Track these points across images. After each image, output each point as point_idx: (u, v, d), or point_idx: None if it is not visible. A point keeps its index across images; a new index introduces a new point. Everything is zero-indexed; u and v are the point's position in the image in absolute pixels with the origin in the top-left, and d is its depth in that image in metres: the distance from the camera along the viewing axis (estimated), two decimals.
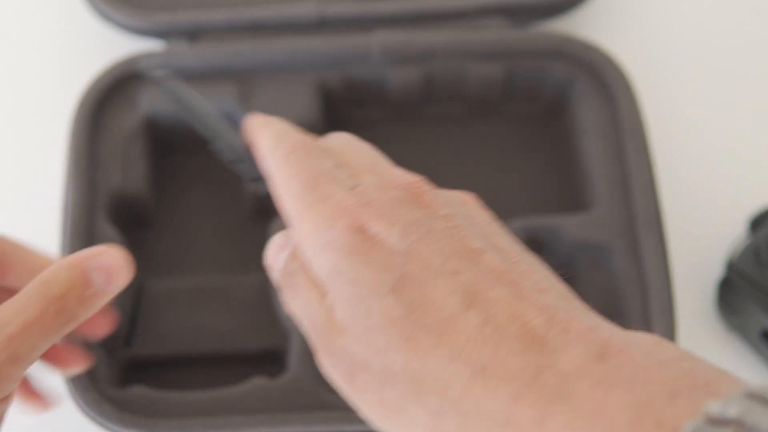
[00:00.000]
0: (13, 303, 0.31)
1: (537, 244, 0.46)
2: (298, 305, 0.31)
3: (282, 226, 0.44)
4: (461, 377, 0.26)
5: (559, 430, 0.24)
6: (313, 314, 0.30)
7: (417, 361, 0.27)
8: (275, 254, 0.33)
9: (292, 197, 0.31)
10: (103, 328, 0.39)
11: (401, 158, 0.51)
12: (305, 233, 0.30)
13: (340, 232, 0.29)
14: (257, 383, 0.42)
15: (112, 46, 0.54)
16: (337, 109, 0.50)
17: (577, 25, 0.55)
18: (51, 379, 0.40)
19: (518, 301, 0.27)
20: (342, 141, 0.34)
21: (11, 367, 0.30)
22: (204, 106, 0.36)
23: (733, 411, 0.21)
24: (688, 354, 0.25)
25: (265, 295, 0.46)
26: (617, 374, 0.24)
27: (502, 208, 0.48)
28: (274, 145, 0.33)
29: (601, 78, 0.48)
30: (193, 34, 0.51)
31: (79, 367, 0.39)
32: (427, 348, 0.27)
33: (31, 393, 0.39)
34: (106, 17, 0.52)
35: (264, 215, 0.48)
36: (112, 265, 0.33)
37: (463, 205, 0.31)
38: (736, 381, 0.24)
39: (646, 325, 0.43)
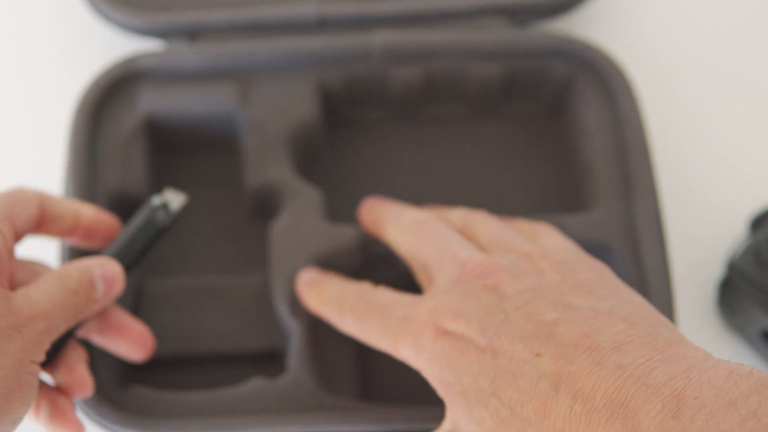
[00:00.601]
0: (38, 287, 0.36)
1: None
2: None
3: (282, 228, 0.44)
4: None
5: None
6: None
7: None
8: None
9: (381, 335, 0.38)
10: (143, 350, 0.42)
11: (401, 158, 0.52)
12: (408, 356, 0.36)
13: (433, 345, 0.35)
14: (256, 384, 0.42)
15: (112, 46, 0.54)
16: (337, 109, 0.50)
17: (577, 25, 0.55)
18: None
19: (598, 369, 0.30)
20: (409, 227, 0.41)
21: (46, 336, 0.35)
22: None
23: None
24: (759, 381, 0.28)
25: (265, 295, 0.46)
26: (689, 428, 0.27)
27: (502, 208, 0.48)
28: (332, 308, 0.40)
29: (602, 78, 0.48)
30: (193, 34, 0.51)
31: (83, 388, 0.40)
32: None
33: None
34: (106, 17, 0.52)
35: (264, 215, 0.48)
36: (110, 275, 0.39)
37: (532, 268, 0.35)
38: None
39: None
